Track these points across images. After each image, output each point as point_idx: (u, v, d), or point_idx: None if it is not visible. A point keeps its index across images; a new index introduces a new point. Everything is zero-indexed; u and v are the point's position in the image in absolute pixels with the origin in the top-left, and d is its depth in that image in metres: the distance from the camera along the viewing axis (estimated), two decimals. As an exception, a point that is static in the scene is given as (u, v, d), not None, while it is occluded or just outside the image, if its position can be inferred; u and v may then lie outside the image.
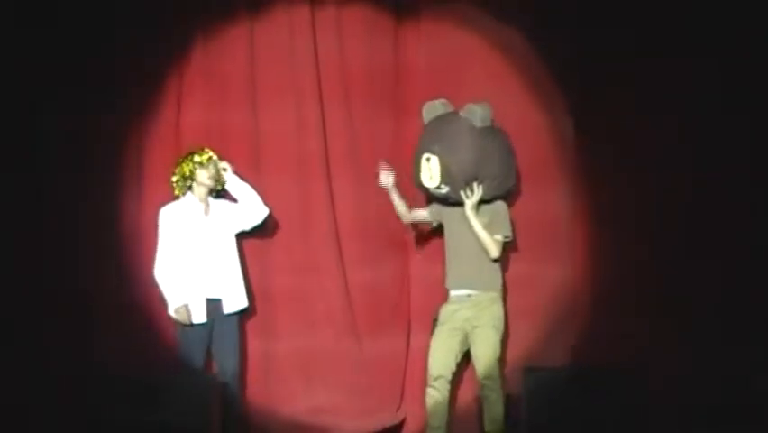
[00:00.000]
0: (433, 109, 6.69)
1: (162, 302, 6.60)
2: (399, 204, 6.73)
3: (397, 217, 6.83)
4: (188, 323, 6.49)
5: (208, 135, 6.84)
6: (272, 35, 6.94)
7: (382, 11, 7.03)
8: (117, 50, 6.77)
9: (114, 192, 6.76)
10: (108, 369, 6.43)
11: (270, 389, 6.84)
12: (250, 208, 6.69)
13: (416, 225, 6.92)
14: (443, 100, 6.70)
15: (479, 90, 6.80)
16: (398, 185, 6.70)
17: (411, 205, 6.79)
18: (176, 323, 6.54)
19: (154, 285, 6.63)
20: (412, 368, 6.95)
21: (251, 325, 6.86)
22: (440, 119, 6.64)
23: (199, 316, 6.52)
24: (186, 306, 6.49)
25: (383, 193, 6.90)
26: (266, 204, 6.76)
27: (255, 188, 6.78)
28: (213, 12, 6.93)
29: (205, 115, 6.90)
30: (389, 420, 6.92)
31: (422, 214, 6.77)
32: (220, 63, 6.93)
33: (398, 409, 6.97)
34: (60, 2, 6.65)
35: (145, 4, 6.80)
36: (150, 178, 6.83)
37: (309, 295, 6.92)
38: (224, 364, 6.57)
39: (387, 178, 6.64)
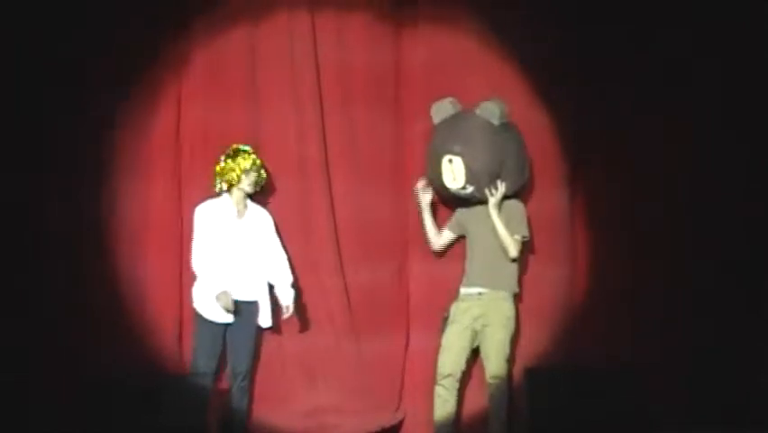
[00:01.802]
0: (443, 109, 6.70)
1: (172, 302, 6.65)
2: (431, 227, 6.76)
3: (396, 218, 6.87)
4: (231, 309, 6.46)
5: (209, 138, 6.81)
6: (273, 38, 6.93)
7: (382, 15, 7.02)
8: (118, 52, 6.74)
9: (113, 193, 6.73)
10: (108, 370, 6.41)
11: (270, 388, 6.80)
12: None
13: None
14: (451, 99, 6.71)
15: (479, 91, 6.79)
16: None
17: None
18: (194, 319, 6.56)
19: (153, 285, 6.64)
20: (411, 368, 6.95)
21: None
22: (453, 119, 6.65)
23: (225, 316, 6.51)
24: (226, 292, 6.45)
25: (382, 194, 6.93)
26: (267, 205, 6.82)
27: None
28: (214, 14, 6.90)
29: (206, 117, 6.87)
30: (388, 420, 6.90)
31: (447, 236, 6.78)
32: (220, 66, 6.91)
33: (397, 408, 6.95)
34: (62, 2, 6.64)
35: (147, 6, 6.78)
36: (150, 179, 6.80)
37: (309, 296, 6.89)
38: (237, 366, 6.57)
39: (425, 196, 6.66)
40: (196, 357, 6.52)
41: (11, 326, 6.40)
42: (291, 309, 6.66)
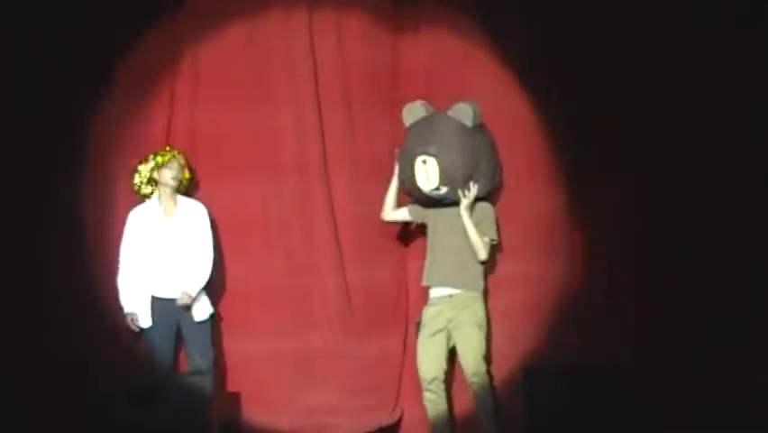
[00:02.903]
0: (415, 111, 6.70)
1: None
2: (393, 197, 6.78)
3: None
4: (136, 330, 6.50)
5: (203, 138, 6.81)
6: (270, 37, 6.93)
7: (381, 13, 7.02)
8: (113, 51, 6.74)
9: (108, 193, 6.74)
10: (108, 369, 6.41)
11: (268, 388, 6.81)
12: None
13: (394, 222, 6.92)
14: (422, 101, 6.72)
15: (477, 91, 6.81)
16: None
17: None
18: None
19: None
20: (409, 368, 6.93)
21: (249, 325, 6.84)
22: (427, 120, 6.66)
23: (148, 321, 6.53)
24: (133, 314, 6.49)
25: (381, 194, 6.91)
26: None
27: (253, 190, 6.84)
28: (209, 12, 6.90)
29: (200, 117, 6.87)
30: (386, 420, 6.91)
31: (401, 213, 6.81)
32: (216, 64, 6.90)
33: (395, 408, 6.96)
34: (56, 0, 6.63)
35: (143, 4, 6.78)
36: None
37: (307, 295, 6.90)
38: (199, 365, 6.53)
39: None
40: (149, 360, 6.54)
41: (10, 325, 6.40)
42: (185, 300, 6.50)
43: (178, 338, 6.61)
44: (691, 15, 6.75)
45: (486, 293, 6.68)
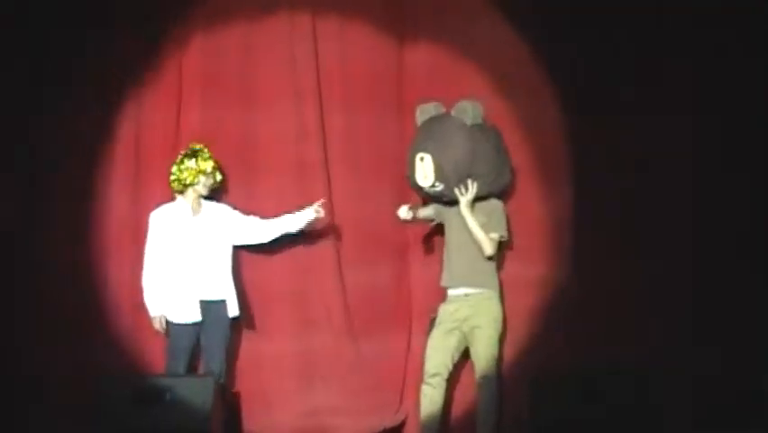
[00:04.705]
0: (426, 111, 6.74)
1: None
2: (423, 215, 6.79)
3: (397, 219, 6.86)
4: (162, 333, 6.51)
5: (207, 137, 6.82)
6: (273, 38, 6.97)
7: (385, 17, 7.05)
8: (117, 50, 6.80)
9: (109, 193, 6.80)
10: (109, 369, 6.45)
11: (269, 390, 6.84)
12: (258, 229, 6.72)
13: (416, 223, 6.88)
14: (435, 103, 6.74)
15: (480, 92, 6.83)
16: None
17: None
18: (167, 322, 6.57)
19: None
20: (412, 369, 6.93)
21: (250, 326, 6.86)
22: (432, 120, 6.69)
23: (193, 315, 6.52)
24: (161, 317, 6.50)
25: (383, 194, 6.94)
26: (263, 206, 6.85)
27: (253, 191, 6.90)
28: (213, 13, 6.94)
29: (204, 116, 6.91)
30: (389, 421, 6.91)
31: (426, 211, 6.79)
32: (220, 65, 6.94)
33: (398, 410, 6.96)
34: (61, 1, 6.66)
35: (146, 5, 6.82)
36: (147, 179, 6.85)
37: (308, 296, 6.93)
38: (211, 366, 6.56)
39: (406, 213, 6.69)
40: (168, 359, 6.53)
41: (11, 324, 6.46)
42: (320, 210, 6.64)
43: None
44: (692, 14, 6.75)
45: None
